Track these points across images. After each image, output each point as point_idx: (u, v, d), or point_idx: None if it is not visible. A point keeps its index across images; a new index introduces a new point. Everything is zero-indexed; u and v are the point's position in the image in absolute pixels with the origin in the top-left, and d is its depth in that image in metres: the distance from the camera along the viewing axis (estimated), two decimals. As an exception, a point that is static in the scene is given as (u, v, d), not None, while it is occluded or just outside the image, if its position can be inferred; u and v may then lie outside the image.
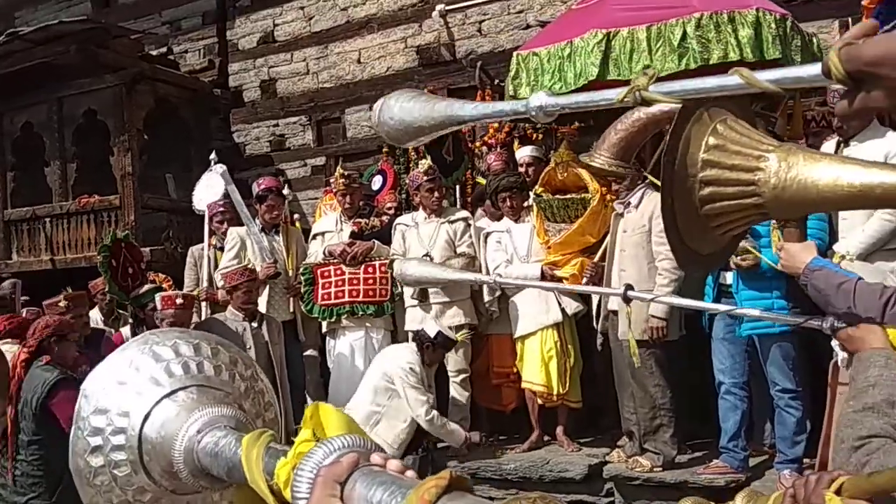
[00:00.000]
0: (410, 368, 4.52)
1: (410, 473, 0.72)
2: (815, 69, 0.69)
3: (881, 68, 0.61)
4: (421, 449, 4.63)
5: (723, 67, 4.13)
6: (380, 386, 4.56)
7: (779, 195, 0.98)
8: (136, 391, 1.02)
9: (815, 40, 4.71)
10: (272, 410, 1.15)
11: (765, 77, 0.74)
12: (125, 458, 1.01)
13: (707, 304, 1.78)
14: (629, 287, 1.92)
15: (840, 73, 0.64)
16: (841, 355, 2.82)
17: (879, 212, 3.84)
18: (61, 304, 4.26)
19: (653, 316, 4.15)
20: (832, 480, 1.01)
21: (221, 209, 5.54)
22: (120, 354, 1.08)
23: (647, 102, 0.81)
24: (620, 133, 2.01)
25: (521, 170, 5.28)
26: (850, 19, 4.67)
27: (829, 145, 3.96)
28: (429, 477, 0.66)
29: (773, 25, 4.22)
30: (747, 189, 1.00)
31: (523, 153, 5.50)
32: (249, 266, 4.81)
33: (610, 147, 2.02)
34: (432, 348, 4.60)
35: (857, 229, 3.84)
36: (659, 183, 2.93)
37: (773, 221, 2.80)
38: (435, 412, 4.55)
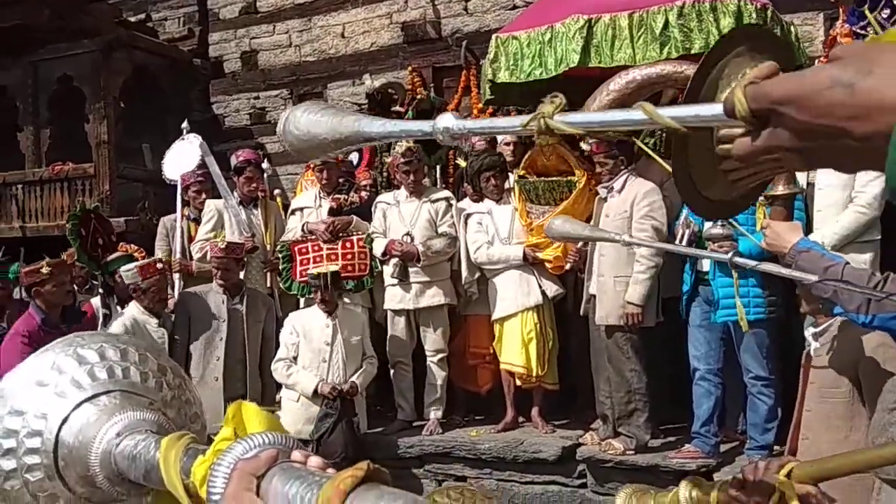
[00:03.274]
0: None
1: (332, 471, 0.70)
2: (716, 108, 0.68)
3: (788, 107, 0.60)
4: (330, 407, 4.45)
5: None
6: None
7: None
8: (57, 393, 0.98)
9: (793, 30, 4.72)
10: (199, 422, 1.11)
11: (668, 113, 0.72)
12: (39, 463, 0.96)
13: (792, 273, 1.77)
14: (737, 253, 1.89)
15: (745, 110, 0.63)
16: (814, 345, 2.87)
17: (853, 205, 3.89)
18: (43, 270, 4.16)
19: (629, 302, 4.18)
20: (781, 465, 1.02)
21: (200, 178, 5.45)
22: (42, 355, 1.03)
23: (552, 131, 0.79)
24: (612, 94, 1.99)
25: (505, 148, 5.25)
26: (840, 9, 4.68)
27: None
28: (346, 469, 0.64)
29: (753, 15, 4.23)
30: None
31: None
32: (220, 244, 4.71)
33: (600, 108, 1.98)
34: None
35: (830, 221, 3.89)
36: (648, 150, 2.94)
37: (760, 199, 2.81)
38: (279, 364, 4.57)
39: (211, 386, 4.51)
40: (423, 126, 0.92)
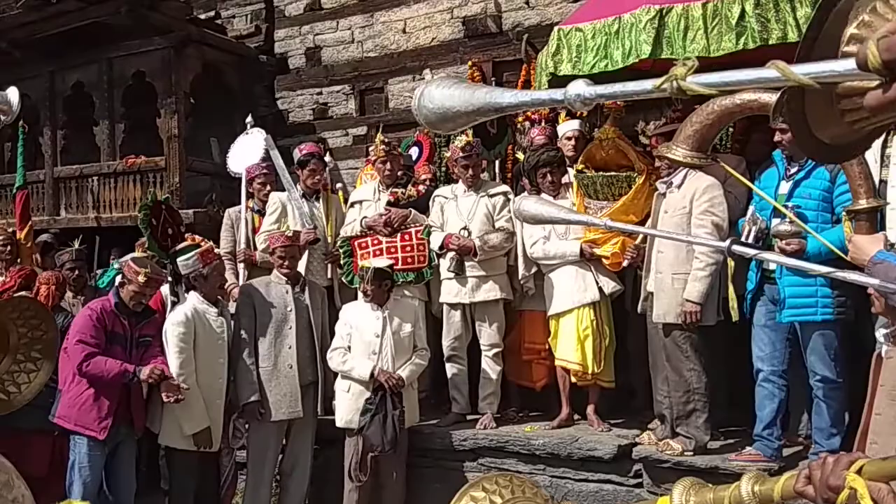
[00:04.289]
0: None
1: None
2: (849, 63, 0.69)
3: None
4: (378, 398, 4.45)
5: (783, 48, 3.99)
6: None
7: None
8: None
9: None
10: None
11: (801, 71, 0.73)
12: None
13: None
14: (735, 241, 1.90)
15: (877, 62, 0.65)
16: (885, 347, 2.75)
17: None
18: (140, 278, 4.31)
19: (687, 300, 4.09)
20: (851, 462, 0.98)
21: (265, 171, 5.59)
22: None
23: (684, 92, 0.81)
24: (696, 125, 2.01)
25: (567, 143, 5.20)
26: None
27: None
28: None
29: (830, 2, 4.06)
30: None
31: (568, 126, 5.41)
32: (287, 232, 4.84)
33: (686, 139, 2.02)
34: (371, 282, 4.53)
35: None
36: (732, 171, 2.88)
37: (844, 213, 2.76)
38: (335, 353, 4.61)
39: (285, 374, 4.63)
40: (555, 94, 0.94)
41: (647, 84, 0.86)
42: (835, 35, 0.90)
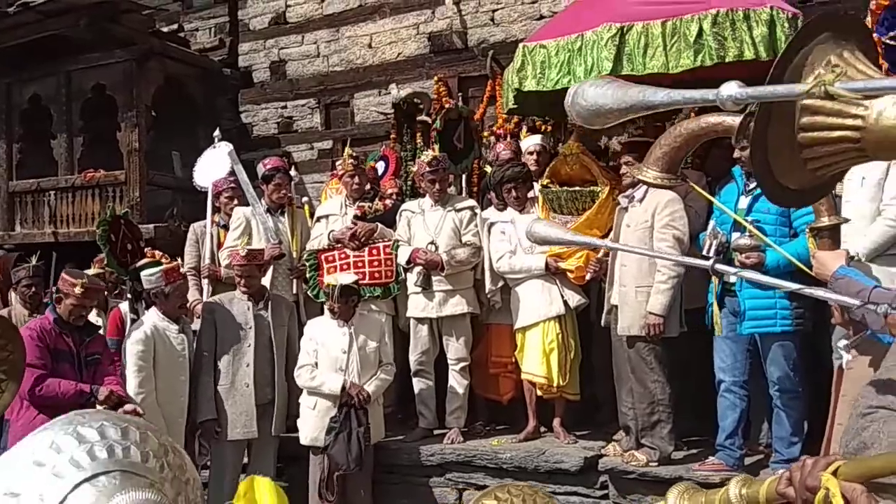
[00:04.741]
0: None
1: None
2: None
3: None
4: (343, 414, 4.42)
5: (737, 66, 4.12)
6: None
7: (884, 136, 0.97)
8: (54, 473, 0.94)
9: None
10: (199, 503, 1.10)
11: None
12: None
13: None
14: (719, 261, 1.99)
15: None
16: (845, 358, 2.84)
17: (881, 217, 3.84)
18: (77, 290, 4.04)
19: (650, 312, 4.16)
20: (829, 463, 1.02)
21: (233, 185, 5.53)
22: (41, 433, 1.00)
23: (832, 97, 0.85)
24: (665, 148, 2.08)
25: (529, 157, 5.27)
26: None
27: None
28: None
29: (785, 24, 4.21)
30: (850, 123, 0.99)
31: (531, 142, 5.49)
32: (242, 251, 4.73)
33: (656, 161, 2.09)
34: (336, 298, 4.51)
35: (859, 234, 3.84)
36: (700, 190, 2.95)
37: (808, 230, 2.86)
38: (303, 370, 4.55)
39: (242, 392, 4.57)
40: (707, 94, 0.98)
41: (797, 88, 0.90)
42: (798, 64, 0.96)
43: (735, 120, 1.96)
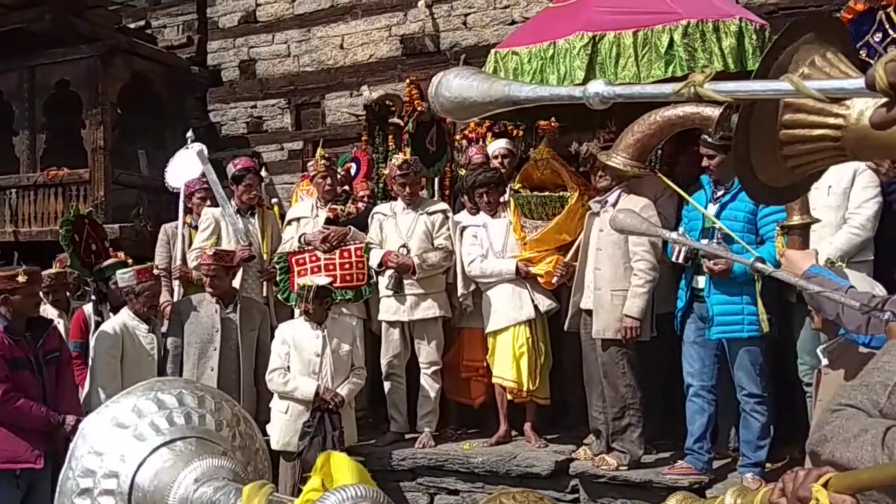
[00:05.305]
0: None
1: None
2: (859, 82, 0.77)
3: None
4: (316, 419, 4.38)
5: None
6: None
7: (863, 136, 0.98)
8: (135, 436, 1.01)
9: None
10: (268, 475, 1.13)
11: (813, 85, 0.80)
12: None
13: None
14: (760, 259, 2.06)
15: (884, 84, 0.73)
16: (823, 361, 2.89)
17: (847, 226, 3.93)
18: (19, 278, 3.98)
19: (627, 315, 4.20)
20: (819, 475, 1.05)
21: (205, 186, 5.45)
22: (125, 398, 1.05)
23: (701, 98, 0.85)
24: (637, 135, 2.05)
25: (495, 162, 5.29)
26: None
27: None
28: None
29: (753, 36, 4.28)
30: (832, 122, 1.00)
31: (497, 146, 5.51)
32: (210, 251, 4.66)
33: (626, 147, 2.06)
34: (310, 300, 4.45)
35: (824, 241, 3.92)
36: (670, 183, 2.97)
37: (778, 228, 2.88)
38: (275, 374, 4.48)
39: None
40: (573, 91, 0.95)
41: (666, 88, 0.89)
42: (783, 63, 0.98)
43: (714, 111, 1.97)
